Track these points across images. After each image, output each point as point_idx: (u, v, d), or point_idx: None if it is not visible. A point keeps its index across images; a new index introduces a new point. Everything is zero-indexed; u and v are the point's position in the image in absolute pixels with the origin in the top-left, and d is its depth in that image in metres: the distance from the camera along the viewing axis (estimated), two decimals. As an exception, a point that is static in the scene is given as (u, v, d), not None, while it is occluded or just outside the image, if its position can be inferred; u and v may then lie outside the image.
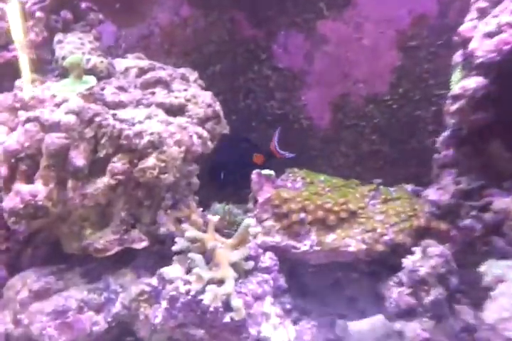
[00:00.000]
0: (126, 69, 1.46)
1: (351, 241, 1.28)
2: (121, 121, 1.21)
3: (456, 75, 1.28)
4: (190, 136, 1.25)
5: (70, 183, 1.14)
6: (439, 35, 1.77)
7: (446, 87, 1.76)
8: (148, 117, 1.27)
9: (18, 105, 1.24)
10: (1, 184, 1.14)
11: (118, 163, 1.17)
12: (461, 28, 1.28)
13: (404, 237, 1.32)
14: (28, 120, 1.15)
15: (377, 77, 1.84)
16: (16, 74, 1.37)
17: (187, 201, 1.33)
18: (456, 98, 1.18)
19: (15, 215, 1.10)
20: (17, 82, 1.36)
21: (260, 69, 1.86)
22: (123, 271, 1.26)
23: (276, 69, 1.87)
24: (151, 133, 1.19)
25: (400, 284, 1.29)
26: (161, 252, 1.31)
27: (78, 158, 1.14)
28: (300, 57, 1.86)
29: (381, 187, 1.46)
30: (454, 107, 1.17)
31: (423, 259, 1.25)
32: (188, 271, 1.22)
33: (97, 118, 1.18)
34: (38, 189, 1.11)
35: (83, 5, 1.53)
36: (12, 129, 1.21)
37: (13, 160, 1.13)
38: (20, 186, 1.12)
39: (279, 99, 1.87)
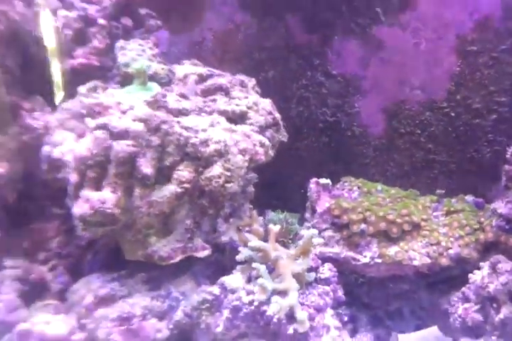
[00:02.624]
0: (185, 76, 1.47)
1: (415, 254, 1.25)
2: (186, 128, 1.22)
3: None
4: (254, 145, 1.25)
5: (137, 191, 1.15)
6: (502, 40, 1.72)
7: (507, 94, 1.73)
8: (212, 125, 1.27)
9: (84, 112, 1.26)
10: (71, 191, 1.16)
11: (184, 172, 1.17)
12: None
13: (470, 251, 1.28)
14: (97, 127, 1.17)
15: (435, 83, 1.80)
16: (82, 80, 1.40)
17: (245, 209, 1.32)
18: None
19: (84, 222, 1.12)
20: (81, 89, 1.39)
21: (313, 75, 1.85)
22: (183, 279, 1.26)
23: (329, 75, 1.85)
24: (217, 142, 1.19)
25: (466, 300, 1.25)
26: (219, 260, 1.31)
27: (146, 166, 1.15)
28: (354, 63, 1.84)
29: (443, 198, 1.43)
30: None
31: (492, 275, 1.21)
32: (249, 280, 1.23)
33: (164, 126, 1.19)
34: (107, 196, 1.12)
35: (143, 11, 1.56)
36: (79, 136, 1.24)
37: (82, 167, 1.16)
38: (89, 193, 1.13)
39: (331, 106, 1.86)
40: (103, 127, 1.17)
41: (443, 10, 1.71)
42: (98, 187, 1.15)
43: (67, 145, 1.19)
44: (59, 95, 1.36)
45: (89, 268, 1.39)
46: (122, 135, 1.16)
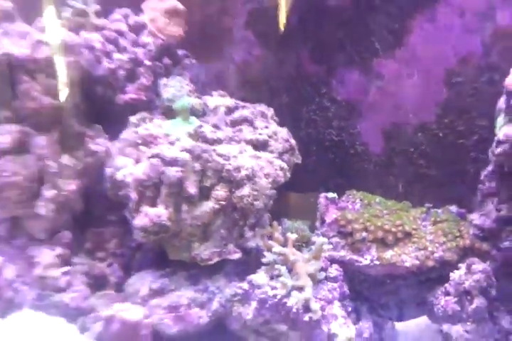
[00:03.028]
0: (215, 108, 1.76)
1: (407, 257, 1.54)
2: (221, 156, 1.51)
3: (499, 120, 1.52)
4: (275, 169, 1.54)
5: (184, 207, 1.45)
6: (482, 73, 2.00)
7: (486, 119, 2.01)
8: (241, 152, 1.56)
9: (139, 141, 1.55)
10: (132, 206, 1.45)
11: (220, 191, 1.47)
12: (507, 81, 1.50)
13: (452, 255, 1.57)
14: (152, 156, 1.46)
15: (426, 108, 2.09)
16: (132, 112, 1.68)
17: (266, 220, 1.61)
18: (499, 142, 1.42)
19: (144, 231, 1.42)
20: (131, 119, 1.67)
21: (321, 101, 2.14)
22: (217, 276, 1.56)
23: (334, 101, 2.14)
24: (246, 168, 1.48)
25: (447, 294, 1.55)
26: (247, 262, 1.60)
27: (191, 187, 1.44)
28: (356, 91, 2.12)
29: (431, 210, 1.71)
30: (498, 150, 1.42)
31: (468, 274, 1.50)
32: (272, 278, 1.52)
33: (204, 155, 1.48)
34: (161, 212, 1.42)
35: (180, 52, 1.84)
36: (136, 161, 1.52)
37: (140, 188, 1.44)
38: (147, 209, 1.42)
39: (336, 128, 2.15)
40: (157, 156, 1.46)
41: (432, 47, 1.99)
42: (154, 204, 1.45)
43: (127, 169, 1.48)
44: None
45: (138, 265, 1.69)
46: (172, 163, 1.46)
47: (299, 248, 1.68)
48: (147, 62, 1.73)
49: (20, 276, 1.56)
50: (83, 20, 1.81)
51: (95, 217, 1.68)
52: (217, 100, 1.78)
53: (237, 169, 1.47)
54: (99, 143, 1.62)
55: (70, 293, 1.51)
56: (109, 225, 1.68)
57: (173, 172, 1.44)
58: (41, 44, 1.50)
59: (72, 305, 1.49)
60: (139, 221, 1.42)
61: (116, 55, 1.69)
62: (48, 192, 1.50)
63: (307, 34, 2.13)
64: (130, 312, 1.25)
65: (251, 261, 1.58)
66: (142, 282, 1.54)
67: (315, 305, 1.40)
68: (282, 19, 1.98)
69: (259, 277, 1.50)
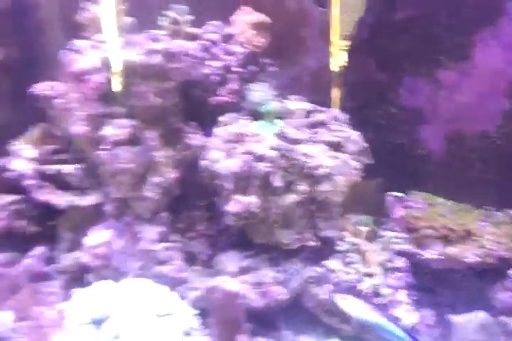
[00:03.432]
0: (295, 111, 1.96)
1: (468, 254, 1.69)
2: (303, 155, 1.70)
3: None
4: (350, 169, 1.72)
5: (270, 198, 1.66)
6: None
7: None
8: (319, 152, 1.75)
9: (231, 138, 1.77)
10: (226, 195, 1.68)
11: (302, 186, 1.67)
12: None
13: (510, 253, 1.71)
14: (245, 152, 1.68)
15: (486, 117, 2.22)
16: (222, 112, 1.91)
17: (341, 213, 1.80)
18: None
19: (236, 216, 1.64)
20: (221, 119, 1.90)
21: (387, 107, 2.30)
22: (295, 260, 1.76)
23: (400, 107, 2.30)
24: (326, 167, 1.67)
25: (507, 289, 1.69)
26: (322, 249, 1.79)
27: (277, 181, 1.66)
28: (421, 99, 2.28)
29: (491, 212, 1.86)
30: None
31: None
32: (344, 265, 1.70)
33: (288, 153, 1.69)
34: (252, 200, 1.63)
35: (264, 60, 2.05)
36: (228, 155, 1.74)
37: (234, 179, 1.66)
38: (240, 197, 1.64)
39: (401, 132, 2.30)
40: (248, 152, 1.68)
41: (495, 60, 2.12)
42: (245, 194, 1.66)
43: (222, 163, 1.71)
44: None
45: (223, 246, 1.91)
46: (262, 159, 1.67)
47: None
48: (236, 69, 1.95)
49: (127, 249, 1.83)
50: (177, 28, 2.06)
51: (187, 202, 1.92)
52: (296, 104, 1.98)
53: (318, 167, 1.67)
54: (194, 139, 1.85)
55: (168, 265, 1.76)
56: (198, 210, 1.92)
57: (262, 167, 1.66)
58: (153, 52, 1.75)
59: (171, 276, 1.74)
60: (232, 207, 1.65)
61: (210, 62, 1.93)
62: (155, 179, 1.75)
63: (376, 44, 2.31)
64: (230, 284, 1.46)
65: (325, 249, 1.77)
66: (230, 260, 1.77)
67: (384, 291, 1.58)
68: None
69: (333, 263, 1.70)
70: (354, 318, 1.54)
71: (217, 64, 1.93)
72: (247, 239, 1.84)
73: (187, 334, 1.53)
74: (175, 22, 2.04)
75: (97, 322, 1.53)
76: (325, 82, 2.34)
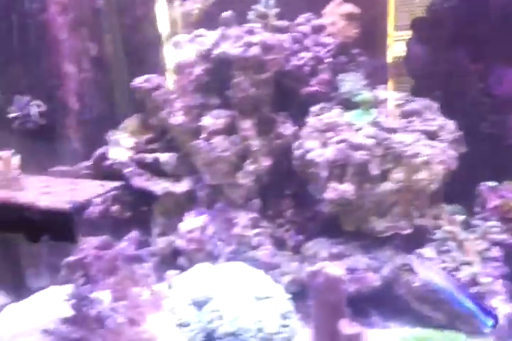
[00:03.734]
0: (385, 100, 1.96)
1: None
2: (399, 143, 1.72)
3: None
4: (448, 157, 1.71)
5: (366, 185, 1.69)
6: None
7: None
8: (416, 141, 1.76)
9: (324, 127, 1.81)
10: (322, 182, 1.72)
11: (399, 174, 1.68)
12: None
13: None
14: (341, 141, 1.72)
15: None
16: (314, 102, 1.95)
17: (436, 202, 1.80)
18: None
19: (332, 203, 1.69)
20: (312, 108, 1.94)
21: (477, 96, 2.25)
22: (386, 248, 1.79)
23: (490, 96, 2.24)
24: (424, 155, 1.68)
25: None
26: (412, 237, 1.80)
27: (374, 169, 1.68)
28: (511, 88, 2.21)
29: None
30: None
31: None
32: (439, 253, 1.71)
33: (385, 142, 1.71)
34: (348, 188, 1.67)
35: (354, 51, 2.07)
36: (323, 144, 1.79)
37: (330, 168, 1.71)
38: (336, 185, 1.69)
39: (491, 121, 2.24)
40: (344, 141, 1.72)
41: None
42: (340, 181, 1.70)
43: (317, 151, 1.76)
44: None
45: (310, 233, 1.97)
46: (358, 147, 1.70)
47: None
48: (327, 60, 1.98)
49: (219, 234, 1.92)
50: (265, 21, 2.11)
51: (276, 190, 1.98)
52: (388, 93, 1.98)
53: (415, 155, 1.68)
54: (286, 128, 1.91)
55: (260, 250, 1.83)
56: (286, 197, 1.98)
57: (359, 155, 1.69)
58: (250, 45, 1.81)
59: (264, 260, 1.82)
60: (328, 194, 1.69)
61: (303, 54, 1.97)
62: (250, 166, 1.83)
63: (465, 33, 2.25)
64: (333, 268, 1.52)
65: (417, 237, 1.78)
66: (320, 247, 1.82)
67: (483, 280, 1.57)
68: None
69: (427, 251, 1.71)
70: (422, 280, 1.52)
71: (309, 55, 1.97)
72: (335, 226, 1.89)
73: (284, 317, 1.60)
74: (263, 16, 2.10)
75: (199, 304, 1.63)
76: (412, 71, 2.32)
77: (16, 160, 1.76)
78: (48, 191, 1.74)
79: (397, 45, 2.36)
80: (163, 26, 2.19)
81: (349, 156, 1.69)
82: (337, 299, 1.48)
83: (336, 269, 1.48)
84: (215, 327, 1.54)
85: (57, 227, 1.56)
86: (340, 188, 1.67)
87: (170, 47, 1.94)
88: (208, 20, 2.16)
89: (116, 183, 1.88)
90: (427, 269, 1.44)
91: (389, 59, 2.33)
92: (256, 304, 1.59)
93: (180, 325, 1.63)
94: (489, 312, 1.27)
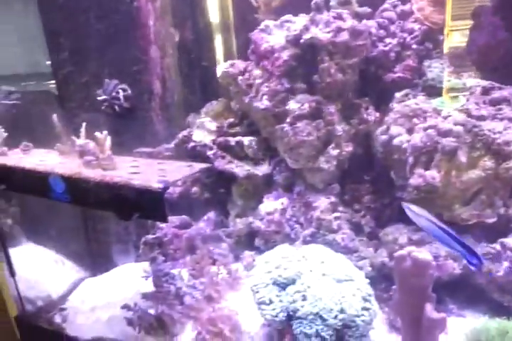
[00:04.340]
0: (473, 88, 1.93)
1: None
2: (490, 130, 1.69)
3: None
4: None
5: (453, 172, 1.68)
6: None
7: None
8: (505, 129, 1.72)
9: (410, 113, 1.80)
10: (408, 168, 1.72)
11: (488, 162, 1.66)
12: None
13: None
14: (428, 127, 1.71)
15: None
16: (398, 88, 1.94)
17: None
18: None
19: (417, 190, 1.69)
20: (397, 95, 1.94)
21: None
22: (467, 236, 1.76)
23: None
24: (515, 143, 1.65)
25: None
26: (495, 226, 1.77)
27: (462, 156, 1.67)
28: None
29: None
30: None
31: None
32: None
33: (475, 129, 1.69)
34: (435, 174, 1.67)
35: (440, 37, 2.04)
36: (409, 130, 1.78)
37: (416, 154, 1.71)
38: (422, 171, 1.68)
39: None
40: (432, 127, 1.71)
41: None
42: (426, 168, 1.70)
43: (403, 137, 1.76)
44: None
45: (387, 219, 1.97)
46: (447, 134, 1.69)
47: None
48: (414, 46, 1.97)
49: (298, 217, 1.96)
50: (347, 8, 2.11)
51: (354, 175, 2.00)
52: (474, 81, 1.95)
53: (508, 143, 1.65)
54: (370, 114, 1.92)
55: (340, 234, 1.86)
56: (364, 183, 2.00)
57: (448, 142, 1.67)
58: (340, 30, 1.83)
59: (342, 244, 1.85)
60: (414, 181, 1.69)
61: (388, 40, 1.96)
62: (333, 151, 1.86)
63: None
64: (421, 253, 1.52)
65: (500, 227, 1.75)
66: (399, 233, 1.83)
67: None
68: None
69: (511, 241, 1.68)
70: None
71: (395, 41, 1.97)
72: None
73: (365, 300, 1.62)
74: (345, 2, 2.10)
75: (281, 284, 1.66)
76: (494, 58, 2.26)
77: (108, 141, 1.86)
78: (137, 171, 1.83)
79: (453, 35, 2.31)
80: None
81: (437, 142, 1.68)
82: (424, 283, 1.49)
83: (424, 253, 1.48)
84: (297, 306, 1.57)
85: (149, 206, 1.63)
86: (426, 174, 1.67)
87: (256, 33, 1.98)
88: (288, 6, 2.19)
89: (203, 164, 1.96)
90: (416, 211, 1.51)
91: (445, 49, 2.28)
92: (338, 286, 1.62)
93: (261, 304, 1.67)
94: (474, 253, 1.40)
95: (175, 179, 1.74)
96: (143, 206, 1.63)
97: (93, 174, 1.76)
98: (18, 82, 2.47)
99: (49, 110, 2.16)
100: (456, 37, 2.24)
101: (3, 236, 2.31)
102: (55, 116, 2.01)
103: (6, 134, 2.11)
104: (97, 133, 1.81)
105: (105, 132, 1.82)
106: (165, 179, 1.68)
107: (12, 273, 2.33)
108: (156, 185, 1.61)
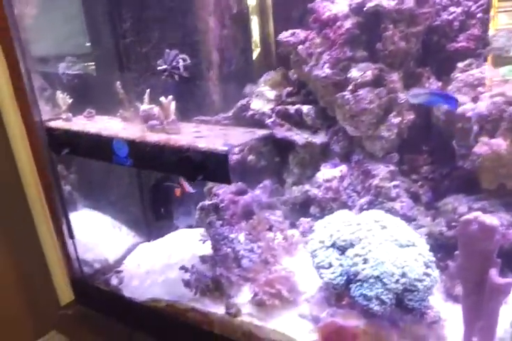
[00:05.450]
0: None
1: None
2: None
3: None
4: None
5: (518, 141, 1.67)
6: None
7: None
8: None
9: (475, 82, 1.79)
10: (472, 137, 1.72)
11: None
12: None
13: None
14: (496, 95, 1.70)
15: None
16: (461, 58, 1.92)
17: None
18: None
19: (481, 158, 1.69)
20: (459, 65, 1.92)
21: None
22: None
23: None
24: None
25: None
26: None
27: (530, 126, 1.66)
28: None
29: None
30: None
31: None
32: None
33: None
34: (500, 142, 1.66)
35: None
36: (472, 99, 1.78)
37: (482, 122, 1.70)
38: (486, 139, 1.68)
39: None
40: (500, 95, 1.69)
41: None
42: (492, 136, 1.69)
43: (468, 106, 1.75)
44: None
45: (445, 190, 1.97)
46: (514, 102, 1.67)
47: None
48: (478, 15, 1.94)
49: (355, 184, 1.99)
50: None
51: (413, 145, 2.00)
52: (539, 51, 1.91)
53: None
54: (431, 83, 1.91)
55: (398, 202, 1.88)
56: (422, 153, 2.00)
57: (516, 109, 1.66)
58: (406, -4, 1.82)
59: (401, 212, 1.87)
60: (478, 149, 1.69)
61: (452, 8, 1.94)
62: (395, 119, 1.87)
63: None
64: (488, 218, 1.54)
65: None
66: (460, 202, 1.84)
67: None
68: None
69: None
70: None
71: (459, 10, 1.94)
72: (473, 184, 1.87)
73: (427, 265, 1.64)
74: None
75: (341, 247, 1.70)
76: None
77: (173, 105, 1.91)
78: (201, 135, 1.88)
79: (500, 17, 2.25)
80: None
81: (504, 111, 1.67)
82: (490, 248, 1.50)
83: (491, 218, 1.49)
84: (358, 270, 1.61)
85: (214, 168, 1.69)
86: (492, 142, 1.67)
87: (318, 2, 1.98)
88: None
89: (264, 131, 2.00)
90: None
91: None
92: (400, 251, 1.65)
93: (320, 268, 1.71)
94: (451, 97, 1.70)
95: (239, 142, 1.79)
96: (208, 168, 1.69)
97: (158, 138, 1.83)
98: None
99: (110, 80, 2.23)
100: (503, 19, 2.19)
101: (64, 201, 2.42)
102: (118, 83, 2.08)
103: (71, 100, 2.20)
104: (162, 98, 1.87)
105: (170, 97, 1.88)
106: (230, 142, 1.73)
107: (71, 236, 2.45)
108: (221, 147, 1.66)
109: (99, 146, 2.00)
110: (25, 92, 2.12)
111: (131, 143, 1.89)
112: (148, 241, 2.60)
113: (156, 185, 2.12)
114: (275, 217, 2.17)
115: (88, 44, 2.45)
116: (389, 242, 1.66)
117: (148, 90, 1.96)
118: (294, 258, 2.05)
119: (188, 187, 2.00)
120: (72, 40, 2.48)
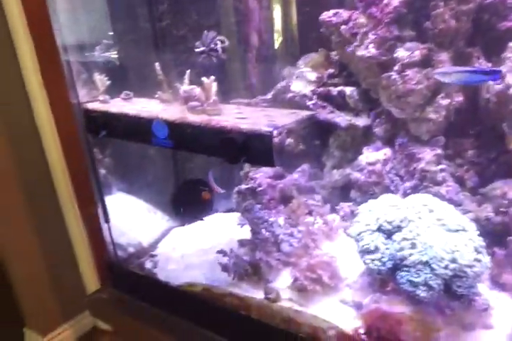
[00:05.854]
0: None
1: None
2: None
3: None
4: None
5: None
6: None
7: None
8: None
9: (529, 63, 1.72)
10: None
11: None
12: None
13: None
14: (554, 74, 1.63)
15: None
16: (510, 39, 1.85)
17: None
18: None
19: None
20: (510, 44, 1.84)
21: None
22: None
23: None
24: None
25: None
26: None
27: None
28: None
29: None
30: None
31: None
32: None
33: None
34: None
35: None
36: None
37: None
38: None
39: None
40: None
41: None
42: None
43: (521, 86, 1.68)
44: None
45: (492, 175, 1.91)
46: None
47: None
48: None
49: (398, 169, 1.94)
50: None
51: (459, 128, 1.94)
52: None
53: None
54: (481, 64, 1.84)
55: (444, 186, 1.83)
56: (469, 136, 1.93)
57: None
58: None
59: (447, 197, 1.81)
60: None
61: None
62: (443, 101, 1.80)
63: None
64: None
65: None
66: (509, 187, 1.77)
67: None
68: None
69: None
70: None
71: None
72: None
73: (477, 251, 1.59)
74: None
75: (388, 231, 1.64)
76: None
77: (214, 86, 1.88)
78: (243, 116, 1.84)
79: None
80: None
81: None
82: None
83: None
84: (406, 254, 1.56)
85: (257, 150, 1.65)
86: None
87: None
88: None
89: (307, 112, 1.95)
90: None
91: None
92: (449, 235, 1.60)
93: (365, 252, 1.67)
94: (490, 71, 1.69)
95: (284, 123, 1.75)
96: (251, 150, 1.65)
97: (199, 119, 1.80)
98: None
99: (147, 62, 2.21)
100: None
101: (100, 184, 2.42)
102: (157, 65, 2.06)
103: (109, 82, 2.19)
104: (204, 79, 1.84)
105: (212, 77, 1.84)
106: (274, 123, 1.69)
107: (106, 220, 2.45)
108: (265, 128, 1.62)
109: (138, 128, 1.98)
110: (63, 75, 2.13)
111: (172, 125, 1.87)
112: (183, 225, 2.60)
113: (182, 189, 2.08)
114: (314, 201, 2.13)
115: (123, 27, 2.44)
116: (437, 226, 1.61)
117: (188, 71, 1.94)
118: (335, 243, 2.02)
119: (217, 188, 1.97)
120: (107, 25, 2.47)
